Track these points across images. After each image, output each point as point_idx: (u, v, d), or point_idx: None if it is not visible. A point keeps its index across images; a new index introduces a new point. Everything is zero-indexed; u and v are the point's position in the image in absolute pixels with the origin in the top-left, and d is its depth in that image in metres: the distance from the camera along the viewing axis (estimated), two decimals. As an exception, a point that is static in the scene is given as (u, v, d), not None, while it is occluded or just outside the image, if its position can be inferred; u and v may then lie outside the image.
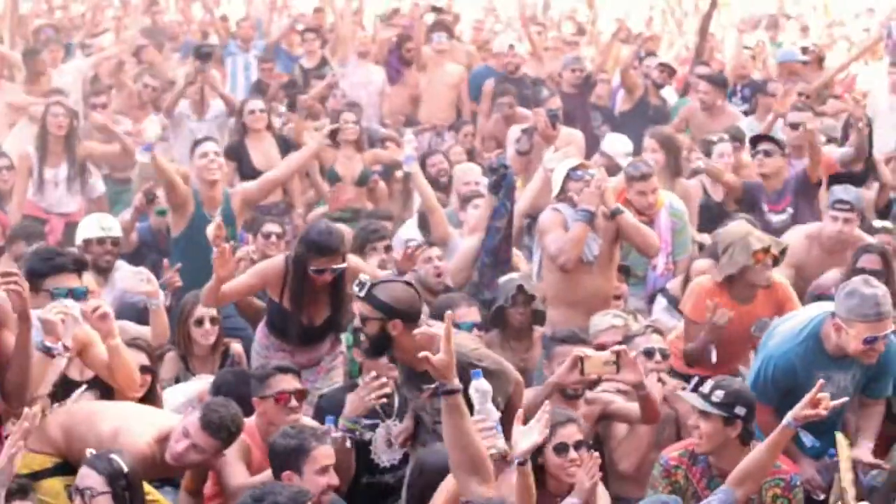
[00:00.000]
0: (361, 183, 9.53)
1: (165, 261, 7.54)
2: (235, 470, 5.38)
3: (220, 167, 8.02)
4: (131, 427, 5.20)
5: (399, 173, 10.00)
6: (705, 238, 8.28)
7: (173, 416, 5.56)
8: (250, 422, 5.63)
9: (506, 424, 4.67)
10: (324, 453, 5.03)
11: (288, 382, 5.66)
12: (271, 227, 8.09)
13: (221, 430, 5.11)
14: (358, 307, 5.63)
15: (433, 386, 4.45)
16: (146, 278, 6.53)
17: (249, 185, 8.30)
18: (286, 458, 5.02)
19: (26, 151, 9.39)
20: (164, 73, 12.28)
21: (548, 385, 5.81)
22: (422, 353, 4.46)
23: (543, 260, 7.30)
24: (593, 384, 6.13)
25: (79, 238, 7.54)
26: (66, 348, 5.12)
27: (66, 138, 9.34)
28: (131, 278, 6.70)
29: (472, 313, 6.52)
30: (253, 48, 13.30)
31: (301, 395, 5.73)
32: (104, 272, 7.41)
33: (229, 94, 11.23)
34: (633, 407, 5.95)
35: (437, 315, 6.23)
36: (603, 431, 6.27)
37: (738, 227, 6.91)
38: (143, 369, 5.84)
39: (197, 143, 8.29)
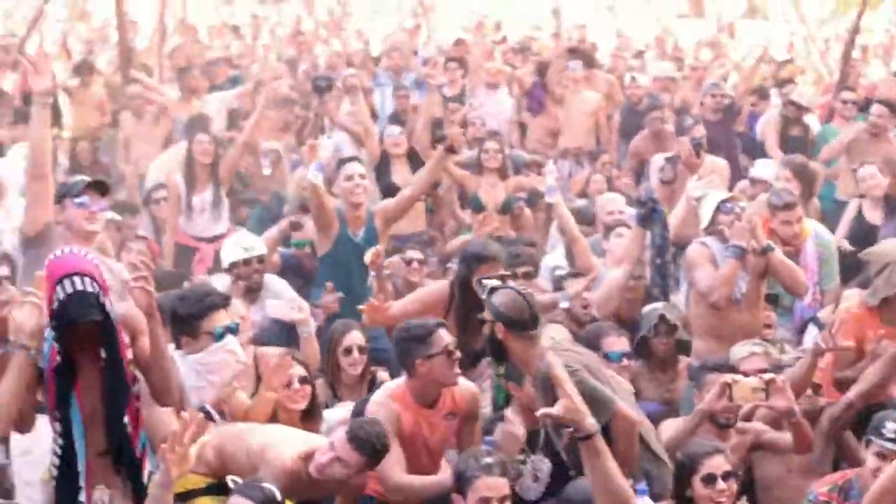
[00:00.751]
0: (505, 210, 9.54)
1: (329, 284, 7.57)
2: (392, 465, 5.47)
3: (364, 189, 8.03)
4: (279, 443, 5.29)
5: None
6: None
7: (320, 437, 5.64)
8: (399, 384, 5.71)
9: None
10: (487, 484, 5.02)
11: (449, 337, 5.69)
12: (413, 254, 8.16)
13: (366, 446, 5.15)
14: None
15: (569, 430, 4.42)
16: (297, 306, 6.63)
17: (388, 203, 8.30)
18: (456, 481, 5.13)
19: (174, 180, 9.58)
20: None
21: (697, 413, 5.76)
22: (541, 412, 4.45)
23: (691, 293, 7.24)
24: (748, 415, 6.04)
25: (224, 262, 7.66)
26: (221, 414, 5.23)
27: (212, 165, 9.54)
28: (283, 307, 6.80)
29: (620, 342, 6.50)
30: (403, 79, 13.38)
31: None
32: (254, 292, 7.52)
33: (348, 125, 11.19)
34: (786, 437, 5.86)
35: (588, 344, 6.27)
36: (755, 461, 6.18)
37: (893, 246, 6.77)
38: (303, 380, 5.96)
39: (342, 162, 8.33)
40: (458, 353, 5.65)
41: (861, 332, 6.58)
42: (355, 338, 6.71)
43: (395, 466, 5.50)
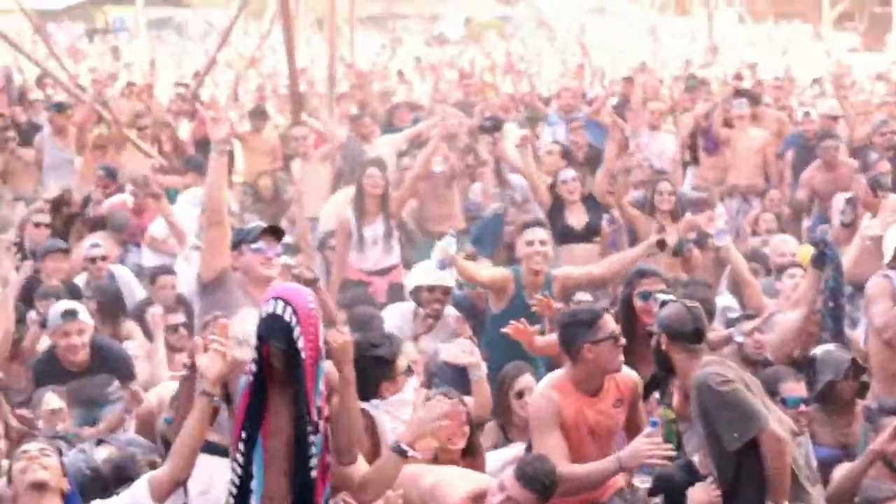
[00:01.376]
0: (677, 253, 9.41)
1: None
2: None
3: (545, 257, 7.84)
4: (449, 483, 5.36)
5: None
6: None
7: (490, 477, 5.66)
8: (561, 374, 5.69)
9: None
10: None
11: (614, 323, 5.67)
12: (582, 296, 8.06)
13: (535, 482, 5.15)
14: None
15: None
16: (469, 349, 6.65)
17: (571, 273, 8.08)
18: None
19: (345, 216, 9.73)
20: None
21: (868, 453, 5.67)
22: None
23: (870, 330, 7.04)
24: None
25: (411, 284, 7.69)
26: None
27: (381, 198, 9.66)
28: (455, 349, 6.83)
29: (799, 388, 6.34)
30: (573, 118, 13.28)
31: None
32: (431, 320, 7.57)
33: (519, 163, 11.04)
34: None
35: (766, 388, 6.15)
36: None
37: None
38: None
39: (526, 226, 8.19)
40: (623, 340, 5.63)
41: None
42: (527, 381, 6.70)
43: (556, 457, 5.45)
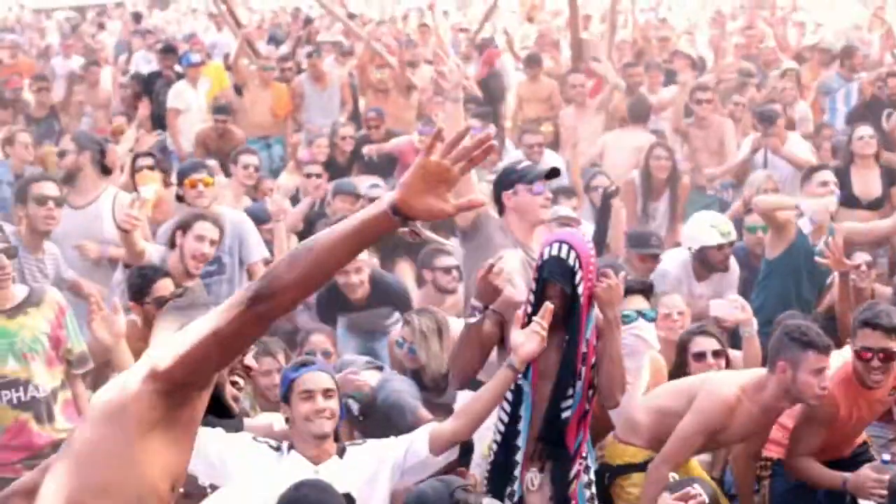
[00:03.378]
0: None
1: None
2: None
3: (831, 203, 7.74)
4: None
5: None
6: None
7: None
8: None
9: None
10: None
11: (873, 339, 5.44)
12: (862, 256, 7.80)
13: None
14: None
15: None
16: (741, 306, 6.54)
17: (855, 227, 7.86)
18: None
19: (632, 180, 9.73)
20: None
21: None
22: None
23: None
24: None
25: (695, 243, 7.61)
26: None
27: (668, 179, 9.69)
28: (726, 305, 6.74)
29: None
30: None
31: None
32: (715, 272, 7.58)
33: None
34: None
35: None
36: None
37: None
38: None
39: (814, 170, 8.03)
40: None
41: None
42: (707, 343, 6.42)
43: (800, 449, 5.53)
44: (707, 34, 18.60)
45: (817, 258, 7.05)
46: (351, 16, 18.14)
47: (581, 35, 14.51)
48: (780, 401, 5.28)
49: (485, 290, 4.84)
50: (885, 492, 5.17)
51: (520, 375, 4.69)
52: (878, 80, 12.16)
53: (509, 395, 4.79)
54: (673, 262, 7.75)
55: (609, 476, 5.43)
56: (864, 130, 9.31)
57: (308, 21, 18.65)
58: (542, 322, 4.60)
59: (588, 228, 8.62)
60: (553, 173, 5.83)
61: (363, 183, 9.61)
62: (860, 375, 5.45)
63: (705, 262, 7.56)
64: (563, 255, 4.69)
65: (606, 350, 4.87)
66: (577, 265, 4.67)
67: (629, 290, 5.51)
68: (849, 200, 8.81)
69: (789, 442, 5.67)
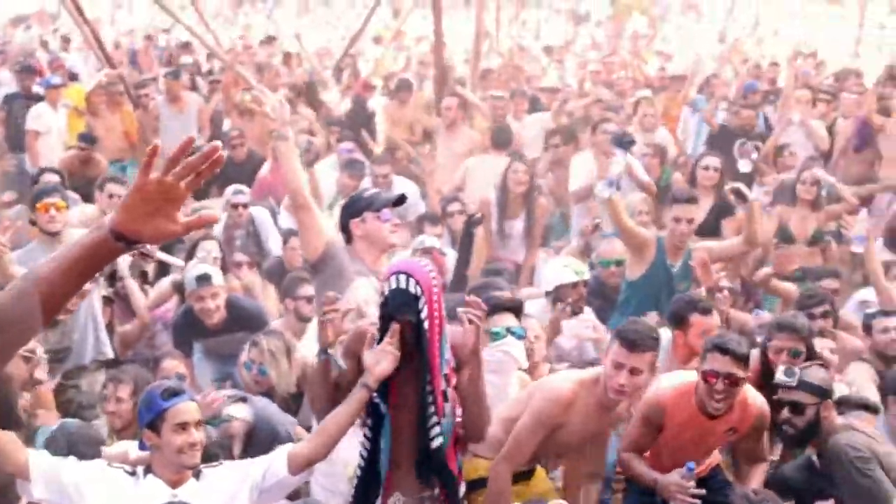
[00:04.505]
0: (814, 243, 9.27)
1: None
2: None
3: (685, 234, 7.84)
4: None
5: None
6: None
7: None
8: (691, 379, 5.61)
9: None
10: None
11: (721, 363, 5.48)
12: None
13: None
14: (789, 397, 5.61)
15: None
16: (592, 325, 6.63)
17: (712, 246, 8.02)
18: None
19: (488, 199, 9.75)
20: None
21: None
22: None
23: None
24: None
25: (550, 284, 7.66)
26: None
27: (525, 195, 9.67)
28: (577, 326, 6.82)
29: None
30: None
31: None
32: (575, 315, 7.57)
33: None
34: None
35: (893, 387, 6.08)
36: None
37: None
38: None
39: (676, 200, 8.09)
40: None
41: None
42: None
43: (631, 444, 5.69)
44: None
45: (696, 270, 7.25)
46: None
47: (445, 61, 14.59)
48: (605, 394, 5.36)
49: (322, 333, 4.82)
50: (687, 497, 5.33)
51: (382, 403, 4.70)
52: (732, 108, 12.52)
53: (370, 422, 4.77)
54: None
55: (468, 490, 5.41)
56: (710, 161, 9.63)
57: (185, 45, 18.53)
58: (391, 341, 4.62)
59: (450, 255, 8.71)
60: (400, 200, 5.87)
61: (228, 191, 9.65)
62: (701, 399, 5.52)
63: (562, 303, 7.59)
64: (404, 285, 4.65)
65: (470, 390, 4.86)
66: (418, 291, 4.64)
67: (499, 308, 5.61)
68: None
69: (623, 436, 5.84)
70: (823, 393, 5.57)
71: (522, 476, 5.53)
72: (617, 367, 5.22)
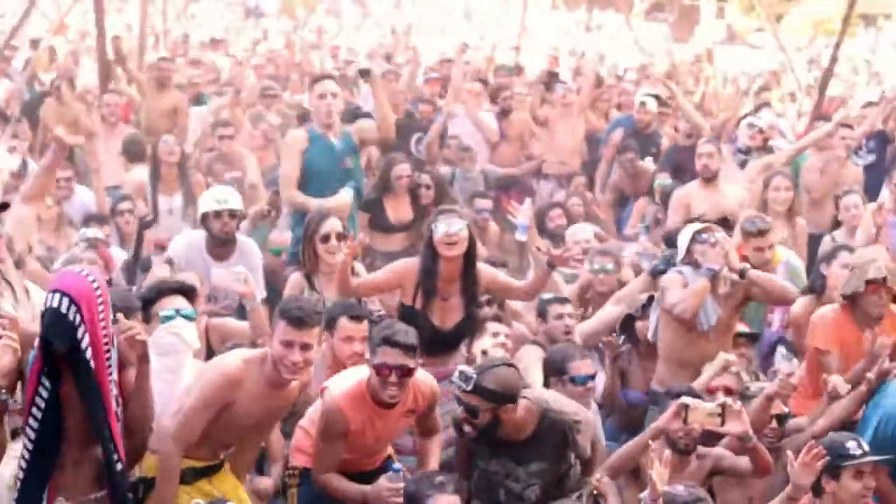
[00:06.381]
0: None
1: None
2: None
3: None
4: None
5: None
6: None
7: None
8: (360, 382, 5.62)
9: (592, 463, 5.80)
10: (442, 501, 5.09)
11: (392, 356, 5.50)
12: None
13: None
14: (465, 399, 5.61)
15: None
16: (243, 278, 6.49)
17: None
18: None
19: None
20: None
21: (650, 429, 5.90)
22: None
23: (661, 317, 7.23)
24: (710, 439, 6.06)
25: (198, 214, 7.62)
26: None
27: (178, 166, 9.85)
28: (227, 276, 6.64)
29: (586, 366, 6.45)
30: None
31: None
32: (227, 244, 7.49)
33: None
34: (746, 462, 5.89)
35: (554, 367, 6.30)
36: (716, 488, 6.20)
37: (871, 252, 6.94)
38: None
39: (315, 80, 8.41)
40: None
41: (839, 334, 6.74)
42: (333, 225, 6.69)
43: (323, 464, 5.66)
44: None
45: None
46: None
47: (108, 56, 14.16)
48: (275, 373, 5.25)
49: None
50: (400, 499, 5.34)
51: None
52: None
53: (31, 434, 4.55)
54: (180, 244, 7.74)
55: (144, 489, 5.26)
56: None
57: None
58: (11, 335, 4.45)
59: (118, 253, 8.48)
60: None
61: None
62: (375, 392, 5.56)
63: (210, 234, 7.53)
64: (63, 308, 4.44)
65: (135, 395, 4.78)
66: (77, 320, 4.43)
67: (167, 291, 5.56)
68: (385, 226, 9.43)
69: (313, 459, 5.75)
70: (501, 398, 5.54)
71: (209, 470, 5.40)
72: (287, 346, 5.13)
